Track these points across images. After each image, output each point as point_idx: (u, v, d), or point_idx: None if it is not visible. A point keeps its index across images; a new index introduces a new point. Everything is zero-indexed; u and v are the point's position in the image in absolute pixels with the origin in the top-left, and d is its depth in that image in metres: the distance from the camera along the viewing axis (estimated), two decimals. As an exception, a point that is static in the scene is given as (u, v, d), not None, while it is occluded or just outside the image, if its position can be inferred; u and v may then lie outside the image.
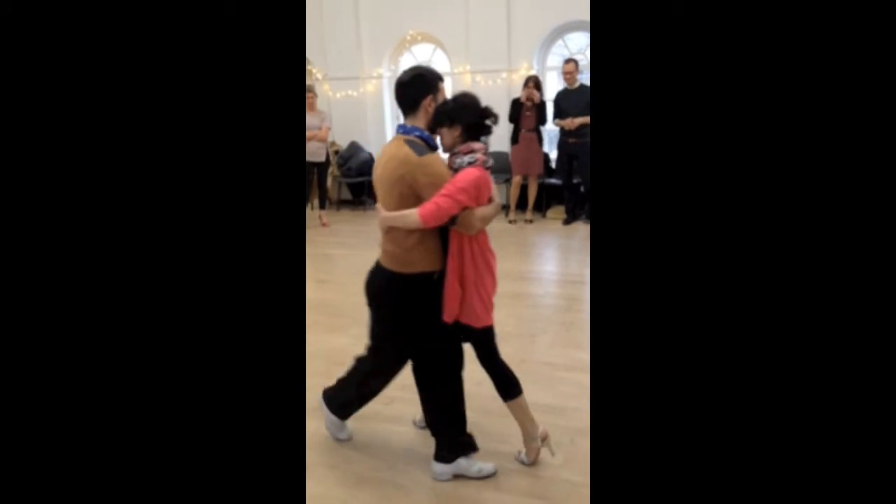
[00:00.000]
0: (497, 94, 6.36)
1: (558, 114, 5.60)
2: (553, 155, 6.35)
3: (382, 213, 1.92)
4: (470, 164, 1.89)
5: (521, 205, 6.08)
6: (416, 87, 1.91)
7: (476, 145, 1.92)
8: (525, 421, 2.15)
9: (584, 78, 5.78)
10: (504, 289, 4.02)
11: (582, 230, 5.60)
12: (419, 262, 1.94)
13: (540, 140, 5.82)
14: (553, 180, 6.15)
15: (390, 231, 1.94)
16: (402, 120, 1.97)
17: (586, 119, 5.43)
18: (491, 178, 1.96)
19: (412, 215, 1.82)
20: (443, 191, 1.82)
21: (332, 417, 2.34)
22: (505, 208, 6.24)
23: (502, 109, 6.05)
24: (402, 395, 2.54)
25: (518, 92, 5.84)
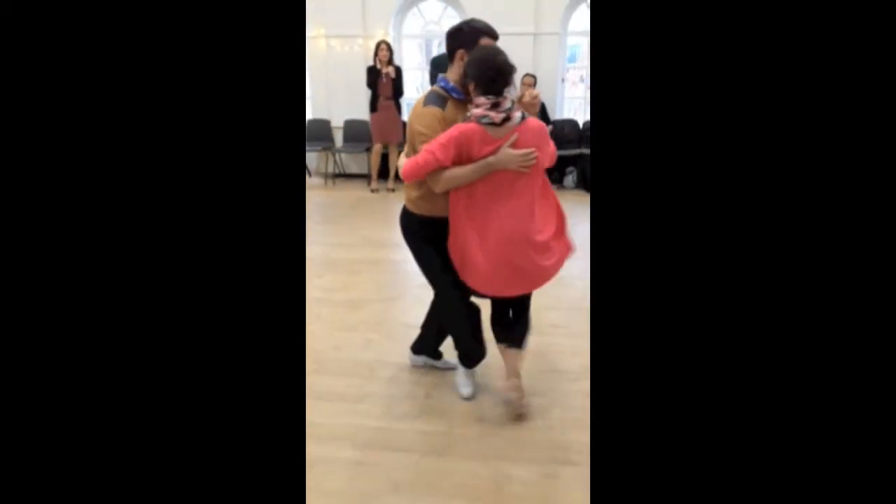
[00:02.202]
0: (354, 60, 6.24)
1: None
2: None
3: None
4: (464, 119, 1.89)
5: (384, 174, 6.07)
6: (452, 39, 1.95)
7: (481, 100, 1.85)
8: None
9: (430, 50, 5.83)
10: (364, 256, 4.04)
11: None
12: (424, 208, 2.05)
13: (399, 108, 5.81)
14: (414, 149, 6.19)
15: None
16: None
17: None
18: (485, 133, 1.86)
19: (399, 168, 1.91)
20: (427, 145, 1.85)
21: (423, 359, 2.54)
22: (367, 177, 6.20)
23: (359, 76, 5.95)
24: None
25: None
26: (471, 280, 2.04)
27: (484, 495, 1.82)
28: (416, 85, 5.96)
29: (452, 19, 6.27)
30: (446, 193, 1.96)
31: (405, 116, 6.21)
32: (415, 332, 2.88)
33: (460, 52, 1.92)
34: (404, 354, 2.66)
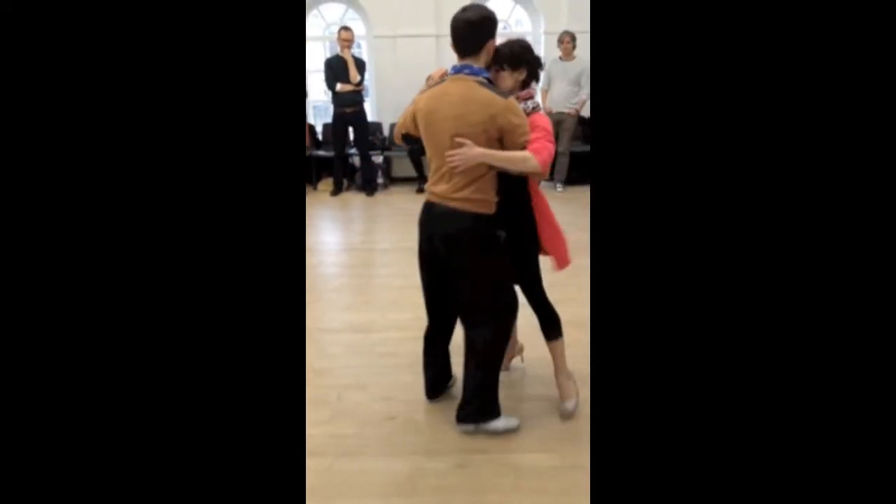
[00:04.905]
0: (254, 63, 6.06)
1: (335, 78, 5.43)
2: (319, 126, 6.29)
3: (478, 150, 1.80)
4: (534, 109, 1.94)
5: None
6: (485, 29, 1.84)
7: (534, 88, 1.96)
8: (561, 363, 2.20)
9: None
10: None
11: (355, 200, 5.66)
12: (492, 203, 1.93)
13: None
14: (321, 152, 6.08)
15: (470, 173, 1.85)
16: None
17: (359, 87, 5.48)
18: None
19: (530, 159, 1.79)
20: (538, 135, 1.82)
21: (497, 423, 2.07)
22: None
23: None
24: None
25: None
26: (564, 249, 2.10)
27: (399, 491, 1.83)
28: (322, 88, 5.86)
29: (353, 21, 6.24)
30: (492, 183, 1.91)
31: (311, 118, 6.11)
32: (328, 337, 2.84)
33: (491, 42, 1.87)
34: (316, 359, 2.63)
